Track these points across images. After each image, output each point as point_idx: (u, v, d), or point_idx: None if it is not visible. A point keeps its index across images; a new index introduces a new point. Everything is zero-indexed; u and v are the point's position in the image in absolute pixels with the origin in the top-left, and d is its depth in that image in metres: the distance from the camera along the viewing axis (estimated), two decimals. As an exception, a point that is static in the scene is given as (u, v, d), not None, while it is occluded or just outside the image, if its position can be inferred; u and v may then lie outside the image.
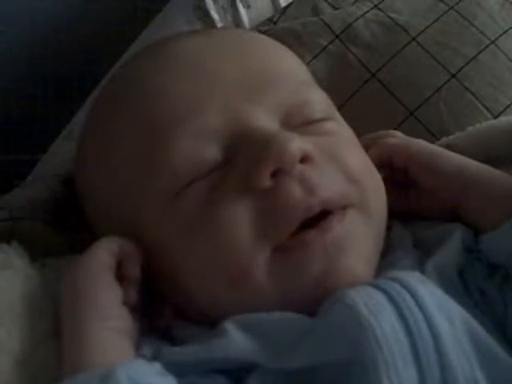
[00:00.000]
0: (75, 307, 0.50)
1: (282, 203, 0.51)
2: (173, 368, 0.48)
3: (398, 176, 0.63)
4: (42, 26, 1.14)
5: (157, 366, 0.47)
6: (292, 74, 0.61)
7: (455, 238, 0.56)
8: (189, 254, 0.53)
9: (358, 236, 0.53)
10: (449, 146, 0.65)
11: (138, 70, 0.61)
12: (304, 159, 0.52)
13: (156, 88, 0.57)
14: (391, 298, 0.47)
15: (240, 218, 0.51)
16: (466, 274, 0.55)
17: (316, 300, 0.50)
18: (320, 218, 0.52)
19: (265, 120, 0.54)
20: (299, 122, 0.56)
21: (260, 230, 0.51)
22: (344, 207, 0.53)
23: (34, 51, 1.14)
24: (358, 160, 0.57)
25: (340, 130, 0.59)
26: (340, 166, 0.54)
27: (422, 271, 0.52)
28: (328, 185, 0.52)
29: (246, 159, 0.52)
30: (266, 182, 0.51)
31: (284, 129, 0.55)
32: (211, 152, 0.53)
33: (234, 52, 0.59)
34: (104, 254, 0.53)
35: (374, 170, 0.59)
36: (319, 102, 0.58)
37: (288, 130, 0.54)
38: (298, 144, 0.52)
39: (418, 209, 0.62)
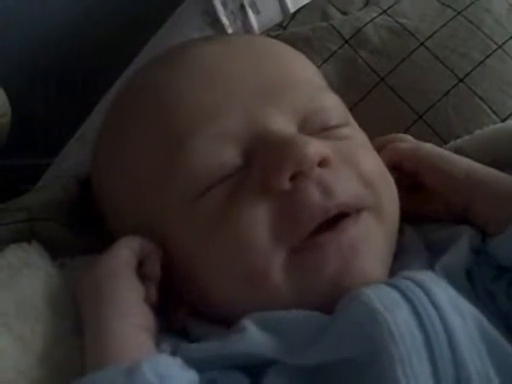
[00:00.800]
0: (98, 304, 0.51)
1: (299, 205, 0.52)
2: (191, 364, 0.48)
3: (408, 179, 0.63)
4: (44, 28, 1.15)
5: (179, 360, 0.48)
6: (307, 79, 0.62)
7: (463, 240, 0.56)
8: (207, 255, 0.54)
9: (373, 238, 0.54)
10: (457, 150, 0.66)
11: (154, 76, 0.61)
12: (322, 163, 0.53)
13: (174, 94, 0.57)
14: (405, 296, 0.47)
15: (258, 220, 0.52)
16: (473, 275, 0.55)
17: (331, 299, 0.51)
18: (336, 219, 0.52)
19: (283, 124, 0.55)
20: (316, 127, 0.57)
21: (278, 232, 0.52)
22: (359, 210, 0.54)
23: (35, 57, 1.15)
24: (373, 164, 0.58)
25: (355, 134, 0.60)
26: (356, 169, 0.55)
27: (432, 271, 0.53)
28: (345, 188, 0.53)
29: (265, 162, 0.53)
30: (286, 184, 0.52)
31: (301, 133, 0.56)
32: (230, 156, 0.54)
33: (250, 57, 0.60)
34: (126, 252, 0.53)
35: (388, 173, 0.59)
36: (335, 108, 0.59)
37: (305, 135, 0.55)
38: (316, 148, 0.52)
39: (427, 212, 0.63)
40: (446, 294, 0.48)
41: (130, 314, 0.51)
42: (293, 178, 0.52)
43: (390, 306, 0.46)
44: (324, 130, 0.57)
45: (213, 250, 0.53)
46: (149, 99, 0.60)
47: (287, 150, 0.52)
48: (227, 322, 0.53)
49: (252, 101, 0.55)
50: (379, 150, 0.63)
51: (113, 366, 0.46)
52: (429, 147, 0.64)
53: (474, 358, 0.45)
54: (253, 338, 0.49)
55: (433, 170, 0.62)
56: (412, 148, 0.64)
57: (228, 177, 0.54)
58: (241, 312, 0.52)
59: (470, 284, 0.55)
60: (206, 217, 0.53)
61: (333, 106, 0.59)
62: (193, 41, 0.68)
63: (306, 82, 0.60)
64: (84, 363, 0.50)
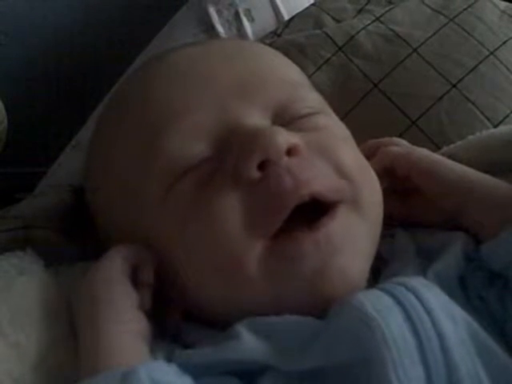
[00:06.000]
0: (92, 311, 0.51)
1: (271, 192, 0.52)
2: (186, 370, 0.48)
3: (401, 184, 0.64)
4: (42, 37, 1.16)
5: (174, 366, 0.48)
6: (283, 76, 0.62)
7: (456, 246, 0.57)
8: (183, 248, 0.54)
9: (352, 234, 0.54)
10: (450, 155, 0.66)
11: (136, 81, 0.64)
12: (291, 152, 0.53)
13: (152, 96, 0.59)
14: (398, 301, 0.48)
15: (230, 208, 0.52)
16: (466, 281, 0.55)
17: (313, 302, 0.51)
18: (312, 216, 0.52)
19: (255, 117, 0.56)
20: (287, 118, 0.57)
21: (251, 220, 0.52)
22: (335, 203, 0.53)
23: (33, 66, 1.16)
24: (350, 155, 0.57)
25: (330, 125, 0.60)
26: (330, 160, 0.55)
27: (424, 277, 0.53)
28: (317, 178, 0.53)
29: (235, 151, 0.53)
30: (254, 172, 0.52)
31: (273, 125, 0.56)
32: (202, 147, 0.55)
33: (227, 56, 0.61)
34: (120, 260, 0.54)
35: (368, 166, 0.59)
36: (307, 98, 0.60)
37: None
38: (284, 136, 0.53)
39: (419, 217, 0.63)
40: (438, 300, 0.48)
41: (124, 320, 0.51)
42: (262, 167, 0.52)
43: (384, 312, 0.47)
44: (296, 119, 0.57)
45: (188, 242, 0.53)
46: (130, 102, 0.61)
47: (255, 139, 0.52)
48: (219, 325, 0.53)
49: (226, 97, 0.56)
50: (372, 153, 0.64)
51: (108, 371, 0.46)
52: (422, 152, 0.64)
53: (466, 360, 0.45)
54: (247, 344, 0.49)
55: (425, 175, 0.62)
56: (405, 152, 0.64)
57: (199, 167, 0.54)
58: (225, 314, 0.52)
59: (463, 290, 0.55)
60: (178, 208, 0.54)
61: (305, 97, 0.59)
62: (173, 47, 0.69)
63: (282, 79, 0.61)
64: (79, 369, 0.50)
